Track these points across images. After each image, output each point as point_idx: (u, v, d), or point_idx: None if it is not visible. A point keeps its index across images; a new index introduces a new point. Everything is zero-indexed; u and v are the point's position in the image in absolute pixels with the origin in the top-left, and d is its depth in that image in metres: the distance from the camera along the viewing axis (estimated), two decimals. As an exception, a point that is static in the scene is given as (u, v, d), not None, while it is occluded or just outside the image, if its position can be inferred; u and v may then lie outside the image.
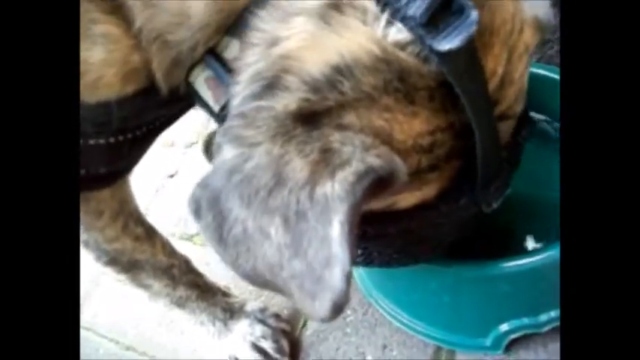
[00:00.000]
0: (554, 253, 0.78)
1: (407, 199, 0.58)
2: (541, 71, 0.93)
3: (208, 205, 0.48)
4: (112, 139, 0.62)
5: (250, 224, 0.47)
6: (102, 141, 0.61)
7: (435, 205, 0.60)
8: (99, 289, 1.16)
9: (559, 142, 0.95)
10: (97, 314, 1.14)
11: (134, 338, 1.10)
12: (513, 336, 0.85)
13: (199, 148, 0.67)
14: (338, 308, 0.44)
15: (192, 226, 1.22)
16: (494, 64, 0.54)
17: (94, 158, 0.63)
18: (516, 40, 0.56)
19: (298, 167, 0.46)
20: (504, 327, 0.85)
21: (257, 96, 0.50)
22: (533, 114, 0.96)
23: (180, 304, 0.94)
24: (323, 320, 0.46)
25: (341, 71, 0.49)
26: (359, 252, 0.72)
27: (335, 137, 0.48)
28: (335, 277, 0.44)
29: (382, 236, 0.66)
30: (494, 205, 0.65)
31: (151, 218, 1.25)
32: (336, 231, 0.44)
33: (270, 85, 0.50)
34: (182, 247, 1.15)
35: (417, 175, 0.54)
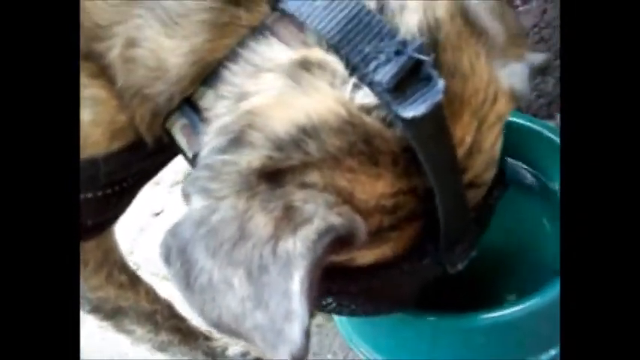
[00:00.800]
0: (528, 305, 0.80)
1: (365, 256, 0.59)
2: (524, 122, 0.96)
3: (177, 254, 0.50)
4: (99, 193, 0.64)
5: (215, 274, 0.49)
6: (90, 195, 0.63)
7: (397, 264, 0.61)
8: (84, 328, 1.16)
9: (541, 194, 0.98)
10: (81, 352, 1.15)
11: (116, 380, 1.10)
12: (489, 385, 0.87)
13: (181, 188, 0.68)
14: None
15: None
16: (462, 132, 0.55)
17: (83, 212, 0.64)
18: (488, 110, 0.57)
19: (262, 223, 0.48)
20: (480, 376, 0.86)
21: (223, 150, 0.51)
22: (514, 162, 0.99)
23: (162, 348, 0.95)
24: None
25: (307, 132, 0.50)
26: (329, 301, 0.72)
27: (298, 195, 0.49)
28: (294, 331, 0.46)
29: (345, 293, 0.67)
30: (460, 267, 0.66)
31: (136, 257, 1.27)
32: (296, 287, 0.46)
33: (236, 140, 0.51)
34: (166, 288, 1.18)
35: (377, 234, 0.56)
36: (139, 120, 0.59)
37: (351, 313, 0.77)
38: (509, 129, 0.66)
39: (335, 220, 0.49)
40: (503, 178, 0.68)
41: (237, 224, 0.48)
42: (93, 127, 0.58)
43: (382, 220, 0.55)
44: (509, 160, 0.99)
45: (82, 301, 0.82)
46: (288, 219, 0.48)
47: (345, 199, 0.51)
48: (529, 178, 0.98)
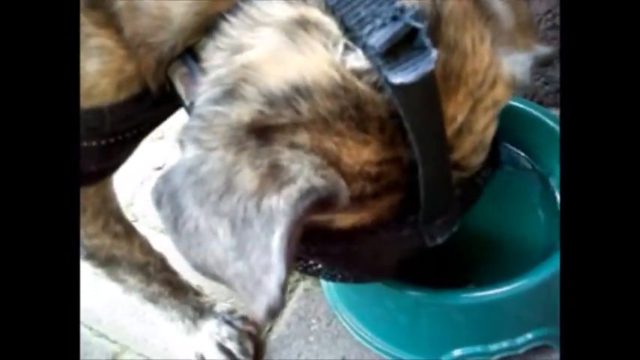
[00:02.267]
0: (509, 288, 0.82)
1: (344, 220, 0.60)
2: (526, 108, 0.96)
3: (167, 199, 0.52)
4: (103, 142, 0.65)
5: (202, 222, 0.50)
6: (94, 143, 0.64)
7: (375, 231, 0.62)
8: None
9: (537, 182, 0.99)
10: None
11: (107, 326, 1.13)
12: (465, 362, 0.89)
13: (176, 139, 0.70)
14: (272, 312, 0.48)
15: (174, 221, 1.25)
16: (454, 110, 0.56)
17: (86, 158, 0.65)
18: (485, 93, 0.57)
19: (248, 178, 0.50)
20: (457, 352, 0.88)
21: (216, 101, 0.52)
22: (513, 149, 1.00)
23: (153, 299, 0.97)
24: (261, 320, 0.50)
25: (299, 91, 0.51)
26: (311, 263, 0.75)
27: (285, 154, 0.50)
28: (271, 283, 0.47)
29: (324, 255, 0.69)
30: (439, 241, 0.67)
31: (135, 209, 1.29)
32: (276, 242, 0.48)
33: (229, 92, 0.52)
34: (163, 241, 1.19)
35: (358, 200, 0.57)
36: (145, 69, 0.60)
37: (332, 278, 0.79)
38: (510, 114, 0.67)
39: (318, 182, 0.50)
40: (497, 160, 0.68)
41: (224, 177, 0.50)
42: (100, 76, 0.59)
43: (365, 186, 0.56)
44: (509, 145, 1.01)
45: (77, 247, 0.84)
46: (274, 177, 0.50)
47: (331, 161, 0.52)
48: (526, 165, 0.99)
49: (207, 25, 0.56)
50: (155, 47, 0.58)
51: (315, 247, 0.66)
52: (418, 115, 0.52)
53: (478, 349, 0.87)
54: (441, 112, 0.54)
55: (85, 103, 0.60)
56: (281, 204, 0.49)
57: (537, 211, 0.99)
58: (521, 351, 0.87)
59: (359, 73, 0.51)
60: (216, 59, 0.55)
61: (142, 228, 1.17)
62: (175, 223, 0.51)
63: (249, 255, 0.49)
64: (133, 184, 1.32)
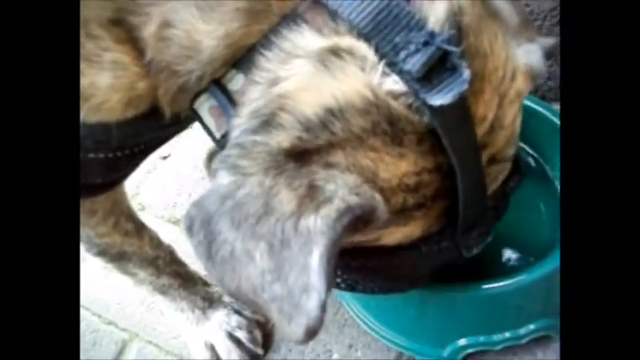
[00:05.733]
0: (513, 281, 0.84)
1: (393, 235, 0.61)
2: (527, 103, 0.97)
3: (200, 225, 0.52)
4: (110, 155, 0.66)
5: (238, 247, 0.51)
6: (101, 155, 0.65)
7: (417, 245, 0.63)
8: (85, 264, 1.19)
9: (539, 176, 1.01)
10: (82, 287, 1.17)
11: (116, 314, 1.15)
12: (469, 351, 0.91)
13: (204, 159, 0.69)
14: (312, 333, 0.48)
15: (181, 210, 1.26)
16: (484, 109, 0.57)
17: (92, 170, 0.66)
18: (508, 87, 0.59)
19: (286, 199, 0.50)
20: (462, 342, 0.91)
21: (254, 131, 0.53)
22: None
23: (162, 291, 0.99)
24: (297, 342, 0.51)
25: (333, 113, 0.52)
26: (344, 278, 0.75)
27: (321, 175, 0.52)
28: (311, 304, 0.48)
29: (363, 269, 0.70)
30: (475, 251, 0.69)
31: (141, 198, 1.30)
32: (315, 262, 0.48)
33: (267, 122, 0.53)
34: (169, 230, 1.21)
35: (402, 213, 0.58)
36: (163, 92, 0.60)
37: (364, 291, 0.79)
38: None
39: (353, 200, 0.51)
40: (519, 168, 0.70)
41: (262, 200, 0.50)
42: (111, 92, 0.59)
43: (406, 198, 0.57)
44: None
45: (89, 245, 0.85)
46: (311, 197, 0.50)
47: (368, 178, 0.53)
48: (529, 159, 1.01)
49: (236, 58, 0.57)
50: (181, 75, 0.58)
51: (355, 261, 0.67)
52: (455, 131, 0.54)
53: (482, 339, 0.90)
54: (473, 125, 0.56)
55: (94, 117, 0.61)
56: (319, 224, 0.49)
57: (539, 205, 1.01)
58: (523, 341, 0.90)
59: (395, 95, 0.53)
60: (254, 92, 0.56)
61: (148, 217, 1.19)
62: (209, 249, 0.51)
63: (287, 277, 0.49)
64: (140, 173, 1.33)
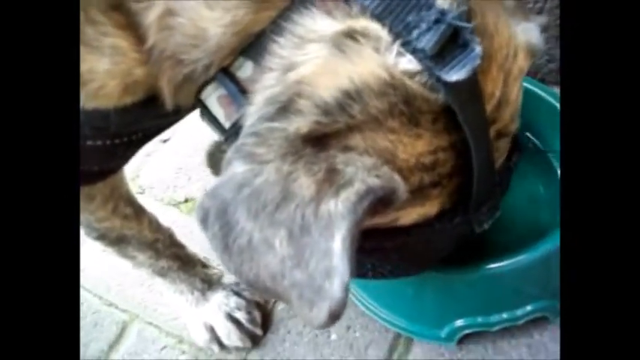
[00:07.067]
0: (510, 262, 0.85)
1: (409, 215, 0.62)
2: (527, 86, 0.97)
3: (216, 215, 0.51)
4: (108, 142, 0.65)
5: (256, 235, 0.50)
6: (99, 142, 0.65)
7: (430, 222, 0.64)
8: (85, 246, 1.20)
9: (538, 159, 1.01)
10: (83, 269, 1.19)
11: (117, 295, 1.15)
12: (467, 331, 0.92)
13: (205, 157, 0.69)
14: (335, 316, 0.48)
15: (181, 193, 1.27)
16: (492, 87, 0.58)
17: (90, 158, 0.66)
18: (511, 64, 0.60)
19: (305, 185, 0.50)
20: (459, 322, 0.92)
21: (271, 118, 0.53)
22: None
23: (162, 273, 1.00)
24: (319, 327, 0.49)
25: (351, 96, 0.52)
26: (368, 267, 0.75)
27: (340, 158, 0.51)
28: (334, 287, 0.47)
29: (378, 250, 0.69)
30: (486, 226, 0.69)
31: (141, 181, 1.31)
32: (337, 245, 0.48)
33: (284, 108, 0.52)
34: (169, 213, 1.22)
35: (419, 192, 0.58)
36: (166, 81, 0.60)
37: (375, 277, 0.78)
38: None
39: (373, 182, 0.50)
40: (518, 144, 0.71)
41: (280, 186, 0.50)
42: (109, 77, 0.59)
43: (423, 177, 0.57)
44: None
45: (88, 229, 0.85)
46: (331, 181, 0.50)
47: (387, 159, 0.53)
48: (528, 142, 1.01)
49: (244, 45, 0.56)
50: (187, 64, 0.58)
51: (369, 243, 0.65)
52: (469, 106, 0.55)
53: (479, 319, 0.91)
54: (483, 99, 0.56)
55: (91, 103, 0.60)
56: (339, 208, 0.49)
57: (539, 188, 1.01)
58: (520, 322, 0.90)
59: (410, 74, 0.53)
60: (268, 79, 0.55)
61: (147, 200, 1.19)
62: (225, 240, 0.51)
63: (308, 262, 0.49)
64: (139, 156, 1.32)
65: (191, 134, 1.34)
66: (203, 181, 1.28)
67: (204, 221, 0.52)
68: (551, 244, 0.84)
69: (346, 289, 0.48)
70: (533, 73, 1.11)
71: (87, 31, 0.56)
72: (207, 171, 1.09)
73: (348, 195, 0.49)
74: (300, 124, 0.51)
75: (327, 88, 0.52)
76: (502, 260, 0.85)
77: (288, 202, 0.50)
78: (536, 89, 0.98)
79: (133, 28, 0.57)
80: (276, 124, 0.52)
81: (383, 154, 0.53)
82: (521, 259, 0.85)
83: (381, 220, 0.60)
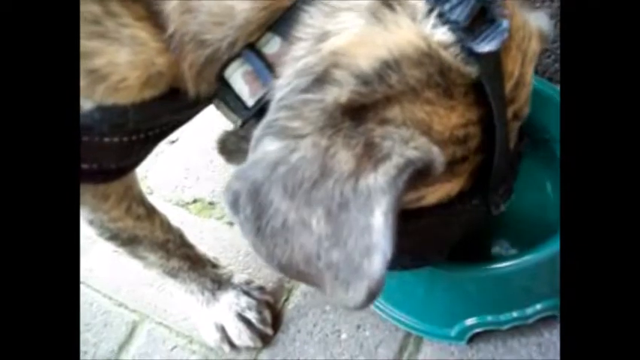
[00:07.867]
0: (519, 261, 0.85)
1: (436, 192, 0.61)
2: (535, 84, 0.97)
3: (248, 197, 0.50)
4: (125, 139, 0.65)
5: (292, 216, 0.49)
6: (116, 139, 0.65)
7: (452, 202, 0.63)
8: (96, 246, 1.21)
9: (547, 158, 1.01)
10: (92, 269, 1.20)
11: (127, 295, 1.15)
12: (477, 330, 0.92)
13: (215, 145, 0.68)
14: (373, 295, 0.47)
15: (189, 194, 1.27)
16: (512, 66, 0.58)
17: (107, 155, 0.66)
18: (527, 46, 0.60)
19: (344, 159, 0.48)
20: (470, 321, 0.92)
21: (305, 89, 0.51)
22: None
23: (172, 274, 1.00)
24: (355, 307, 0.48)
25: (389, 65, 0.51)
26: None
27: (377, 132, 0.50)
28: (374, 265, 0.46)
29: (401, 234, 0.70)
30: (502, 208, 0.69)
31: (150, 182, 1.31)
32: (378, 221, 0.47)
33: (320, 79, 0.51)
34: (177, 214, 1.22)
35: (450, 167, 0.56)
36: (188, 66, 0.59)
37: (393, 268, 0.76)
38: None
39: (411, 154, 0.49)
40: (524, 133, 0.71)
41: (319, 162, 0.48)
42: (130, 69, 0.58)
43: (455, 150, 0.57)
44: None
45: (101, 230, 0.86)
46: (369, 155, 0.49)
47: (424, 131, 0.52)
48: (537, 141, 1.01)
49: (272, 20, 0.55)
50: (210, 44, 0.57)
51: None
52: (495, 79, 0.55)
53: (489, 318, 0.91)
54: (504, 79, 0.57)
55: (110, 98, 0.60)
56: (379, 182, 0.48)
57: (546, 185, 1.01)
58: (530, 321, 0.90)
59: (446, 46, 0.53)
60: (298, 50, 0.54)
61: (156, 200, 1.19)
62: (258, 223, 0.49)
63: (347, 241, 0.47)
64: (148, 157, 1.33)
65: (199, 135, 1.34)
66: (211, 181, 1.28)
67: (234, 205, 0.51)
68: (558, 242, 0.84)
69: (386, 267, 0.46)
70: (541, 73, 1.12)
71: (107, 24, 0.56)
72: (216, 172, 1.10)
73: (387, 169, 0.48)
74: (338, 93, 0.50)
75: (366, 58, 0.51)
76: (511, 259, 0.86)
77: (326, 178, 0.48)
78: (544, 88, 0.98)
79: (152, 17, 0.56)
80: (311, 96, 0.51)
81: (420, 125, 0.53)
82: (530, 257, 0.85)
83: (413, 196, 0.59)
